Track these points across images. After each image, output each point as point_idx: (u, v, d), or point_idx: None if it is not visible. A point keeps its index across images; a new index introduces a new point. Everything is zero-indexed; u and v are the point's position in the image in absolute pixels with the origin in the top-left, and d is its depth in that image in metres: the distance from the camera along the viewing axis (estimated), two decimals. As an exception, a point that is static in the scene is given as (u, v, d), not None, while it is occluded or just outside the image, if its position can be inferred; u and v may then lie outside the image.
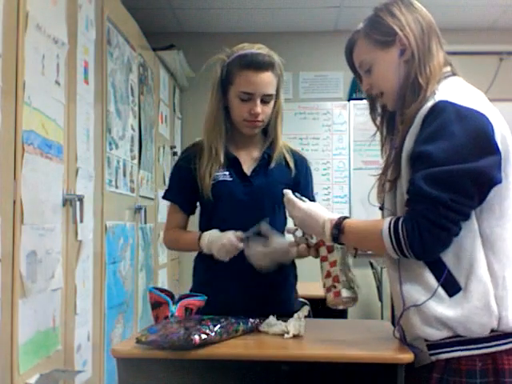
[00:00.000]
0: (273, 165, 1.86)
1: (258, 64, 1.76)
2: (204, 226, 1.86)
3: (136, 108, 3.09)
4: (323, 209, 1.54)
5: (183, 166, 1.89)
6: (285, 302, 1.84)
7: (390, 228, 1.33)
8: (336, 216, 1.47)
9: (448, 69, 1.45)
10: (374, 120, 1.60)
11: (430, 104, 1.34)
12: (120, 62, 2.78)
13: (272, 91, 1.80)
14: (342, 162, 4.70)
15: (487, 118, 1.31)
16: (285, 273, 1.87)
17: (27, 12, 1.72)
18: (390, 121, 1.56)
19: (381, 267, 4.20)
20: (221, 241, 1.72)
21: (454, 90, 1.38)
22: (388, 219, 1.36)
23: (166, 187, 2.00)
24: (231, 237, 1.71)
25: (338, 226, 1.43)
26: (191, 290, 1.86)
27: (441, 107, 1.31)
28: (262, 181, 1.85)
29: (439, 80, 1.41)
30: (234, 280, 1.79)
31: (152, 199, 3.53)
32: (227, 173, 1.84)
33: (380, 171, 1.50)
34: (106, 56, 2.54)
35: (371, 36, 1.47)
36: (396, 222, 1.33)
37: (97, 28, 2.40)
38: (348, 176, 4.67)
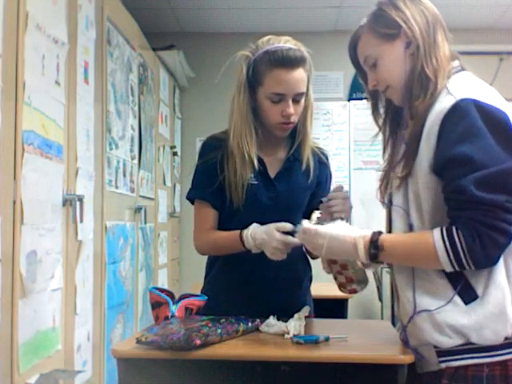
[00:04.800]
0: (303, 167, 1.77)
1: (289, 61, 1.64)
2: (223, 226, 1.79)
3: (136, 108, 3.09)
4: (349, 227, 1.43)
5: (211, 164, 1.75)
6: (300, 306, 1.81)
7: (444, 240, 1.26)
8: (366, 232, 1.37)
9: (456, 63, 1.42)
10: (376, 120, 1.57)
11: (449, 102, 1.29)
12: (120, 62, 2.78)
13: (304, 89, 1.69)
14: (342, 162, 4.70)
15: (506, 114, 1.28)
16: (300, 277, 1.85)
17: (27, 12, 1.71)
18: (393, 120, 1.53)
19: (381, 267, 4.20)
20: (271, 244, 1.60)
21: (469, 85, 1.35)
22: (437, 230, 1.28)
23: (189, 187, 1.85)
24: (280, 238, 1.59)
25: (375, 243, 1.34)
26: (202, 292, 1.84)
27: (464, 106, 1.27)
28: (286, 186, 1.77)
29: (449, 74, 1.38)
30: (250, 285, 1.76)
31: (152, 199, 3.53)
32: (252, 175, 1.74)
33: (385, 167, 1.47)
34: (106, 56, 2.54)
35: (376, 30, 1.44)
36: (450, 233, 1.26)
37: (97, 28, 2.40)
38: (348, 176, 4.67)
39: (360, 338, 1.53)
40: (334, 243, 1.39)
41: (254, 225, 1.66)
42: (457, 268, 1.27)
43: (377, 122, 1.57)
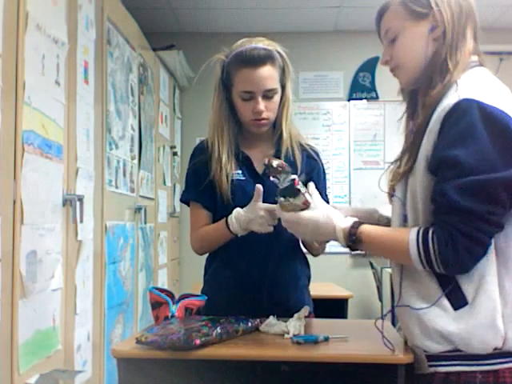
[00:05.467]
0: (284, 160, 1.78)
1: (254, 60, 1.70)
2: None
3: (136, 108, 3.09)
4: (330, 213, 1.43)
5: (199, 166, 1.83)
6: (297, 304, 1.81)
7: (418, 240, 1.26)
8: (348, 222, 1.38)
9: (476, 58, 1.39)
10: (403, 96, 1.50)
11: (452, 100, 1.26)
12: (120, 62, 2.78)
13: (273, 85, 1.73)
14: (342, 162, 4.70)
15: (510, 118, 1.23)
16: (297, 274, 1.86)
17: (27, 12, 1.72)
18: (414, 100, 1.46)
19: (381, 267, 4.20)
20: (257, 214, 1.63)
21: (478, 84, 1.32)
22: (415, 230, 1.28)
23: (182, 189, 1.91)
24: (264, 207, 1.63)
25: (353, 236, 1.36)
26: (202, 292, 1.86)
27: (465, 106, 1.23)
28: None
29: (465, 68, 1.35)
30: (247, 282, 1.78)
31: (152, 199, 3.53)
32: (240, 172, 1.79)
33: (396, 159, 1.44)
34: (106, 56, 2.54)
35: (406, 4, 1.39)
36: (425, 234, 1.25)
37: (97, 28, 2.40)
38: (348, 176, 4.68)
39: (360, 338, 1.53)
40: (315, 232, 1.43)
41: (237, 208, 1.70)
42: (427, 269, 1.27)
43: (404, 96, 1.50)
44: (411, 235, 1.28)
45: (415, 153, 1.33)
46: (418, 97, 1.40)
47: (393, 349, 1.36)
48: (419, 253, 1.26)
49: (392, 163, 1.44)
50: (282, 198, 1.48)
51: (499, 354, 1.25)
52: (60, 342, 1.96)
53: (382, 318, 1.44)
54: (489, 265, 1.26)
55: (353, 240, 1.36)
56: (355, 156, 4.69)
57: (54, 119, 1.91)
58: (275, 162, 1.52)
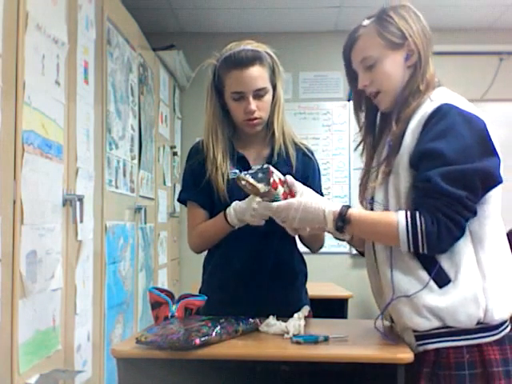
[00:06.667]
0: (275, 159, 1.82)
1: (241, 61, 1.74)
2: None
3: (136, 108, 3.09)
4: (317, 198, 1.50)
5: (196, 166, 1.85)
6: (295, 302, 1.82)
7: (407, 221, 1.36)
8: (336, 206, 1.46)
9: (436, 79, 1.53)
10: (357, 117, 1.64)
11: (432, 106, 1.40)
12: (120, 62, 2.78)
13: (263, 85, 1.77)
14: (342, 162, 4.70)
15: (485, 124, 1.39)
16: (294, 271, 1.88)
17: (27, 12, 1.72)
18: (371, 123, 1.62)
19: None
20: (251, 205, 1.65)
21: (449, 96, 1.46)
22: (402, 212, 1.38)
23: (179, 189, 1.94)
24: (257, 200, 1.63)
25: (343, 218, 1.43)
26: (200, 291, 1.87)
27: (446, 109, 1.38)
28: None
29: (433, 87, 1.50)
30: (243, 281, 1.79)
31: (152, 199, 3.53)
32: (237, 171, 1.80)
33: (364, 168, 1.57)
34: (106, 56, 2.54)
35: (382, 34, 1.50)
36: (413, 216, 1.36)
37: (97, 28, 2.40)
38: (348, 176, 4.67)
39: (360, 337, 1.53)
40: (305, 216, 1.47)
41: (236, 201, 1.73)
42: (411, 249, 1.37)
43: (358, 118, 1.65)
44: (399, 217, 1.38)
45: (394, 157, 1.45)
46: (392, 115, 1.50)
47: (395, 343, 1.41)
48: (408, 233, 1.36)
49: (367, 169, 1.58)
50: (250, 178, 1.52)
51: (483, 328, 1.37)
52: (60, 342, 1.97)
53: (382, 314, 1.51)
54: (465, 246, 1.39)
55: (342, 220, 1.43)
56: (355, 156, 4.68)
57: (54, 119, 1.91)
58: (250, 174, 1.55)
